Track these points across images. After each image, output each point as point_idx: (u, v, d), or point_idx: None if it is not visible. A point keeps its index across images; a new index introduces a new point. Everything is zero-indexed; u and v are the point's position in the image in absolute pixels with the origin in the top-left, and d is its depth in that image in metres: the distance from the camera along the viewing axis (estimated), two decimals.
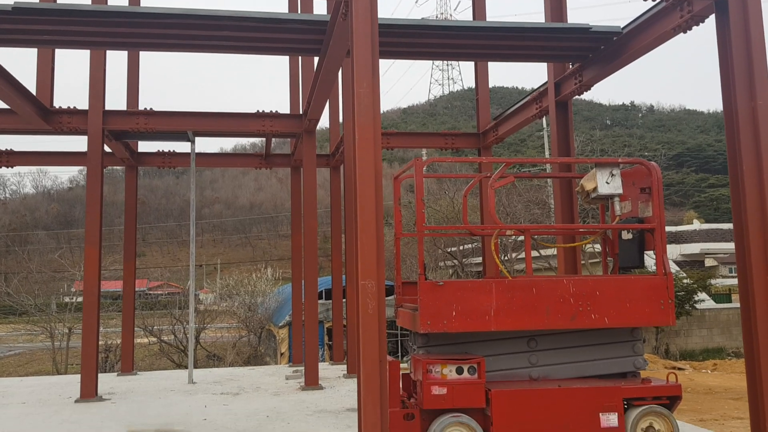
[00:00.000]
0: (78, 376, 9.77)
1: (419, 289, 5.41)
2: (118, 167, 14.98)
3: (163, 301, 29.15)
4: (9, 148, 12.20)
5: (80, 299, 30.68)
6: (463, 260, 25.80)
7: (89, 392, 8.84)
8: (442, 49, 8.12)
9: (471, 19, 11.91)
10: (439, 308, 5.38)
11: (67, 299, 32.06)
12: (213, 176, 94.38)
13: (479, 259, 22.68)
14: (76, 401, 8.74)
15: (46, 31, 7.69)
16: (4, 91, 8.37)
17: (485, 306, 5.40)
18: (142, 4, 12.00)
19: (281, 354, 20.79)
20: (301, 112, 11.32)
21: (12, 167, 12.35)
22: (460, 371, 5.30)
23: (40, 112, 9.66)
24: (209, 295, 35.90)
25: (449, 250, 26.53)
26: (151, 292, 45.37)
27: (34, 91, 9.68)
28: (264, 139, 12.49)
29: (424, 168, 5.98)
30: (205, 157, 13.12)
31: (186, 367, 16.99)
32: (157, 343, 22.39)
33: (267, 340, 23.48)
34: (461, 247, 26.32)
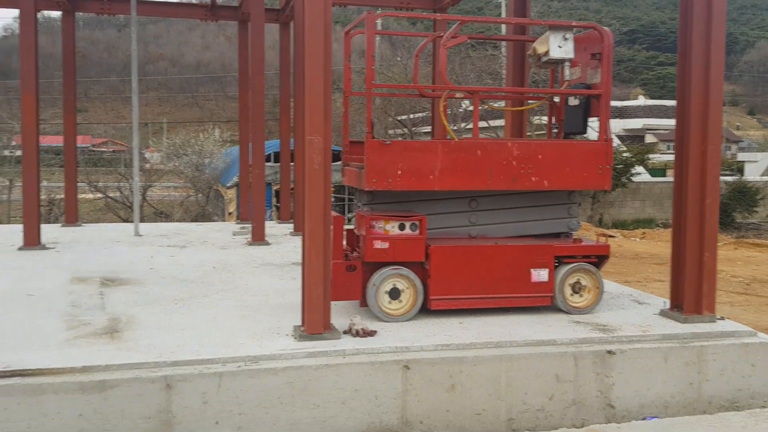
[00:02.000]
0: (21, 226, 9.66)
1: (366, 147, 5.43)
2: (55, 14, 14.03)
3: (107, 158, 28.50)
4: None
5: (20, 153, 29.66)
6: (413, 129, 25.78)
7: (32, 240, 8.79)
8: None
9: None
10: (385, 166, 5.43)
11: (6, 153, 30.96)
12: (157, 31, 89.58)
13: (429, 128, 22.73)
14: (20, 249, 8.71)
15: None
16: None
17: (430, 166, 5.48)
18: None
19: (229, 213, 20.89)
20: None
21: None
22: (402, 227, 5.46)
23: None
24: (155, 154, 35.22)
25: (399, 118, 26.40)
26: (95, 149, 44.19)
27: None
28: None
29: (377, 25, 5.81)
30: (146, 6, 12.35)
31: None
32: (103, 199, 22.15)
33: (215, 200, 23.48)
34: (411, 116, 26.21)
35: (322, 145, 4.96)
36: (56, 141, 28.57)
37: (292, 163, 11.67)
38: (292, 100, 11.96)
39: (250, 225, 9.94)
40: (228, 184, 21.02)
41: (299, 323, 4.99)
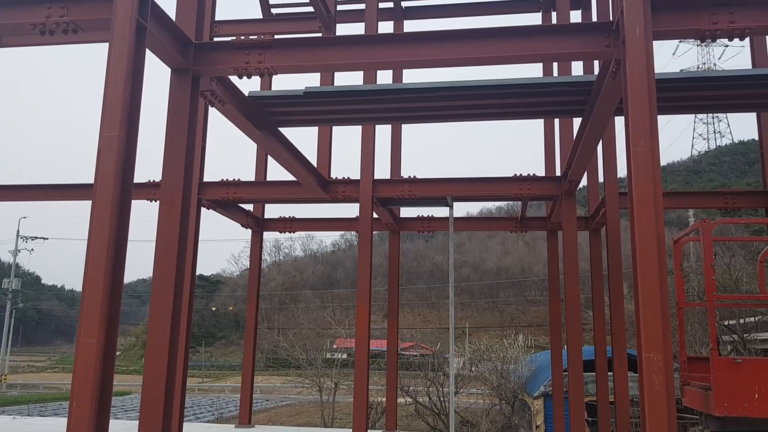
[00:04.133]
0: (346, 430, 10.33)
1: (712, 367, 4.86)
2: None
3: (416, 362, 29.99)
4: (291, 216, 13.74)
5: (344, 356, 32.95)
6: (745, 335, 22.79)
7: None
8: (721, 101, 7.47)
9: (749, 66, 10.84)
10: (738, 389, 4.77)
11: (329, 355, 34.55)
12: (460, 240, 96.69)
13: (766, 335, 19.90)
14: None
15: (328, 111, 8.61)
16: (294, 166, 9.46)
17: None
18: (404, 80, 12.89)
19: (536, 426, 19.95)
20: (557, 174, 11.13)
21: (293, 232, 13.89)
22: None
23: (320, 182, 10.73)
24: (459, 359, 36.19)
25: (726, 323, 23.68)
26: (403, 353, 47.03)
27: (315, 165, 10.80)
28: (517, 202, 12.49)
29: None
30: (462, 222, 13.47)
31: (444, 431, 17.13)
32: (413, 404, 22.97)
33: (521, 411, 22.80)
34: (742, 320, 23.31)
35: (662, 364, 4.56)
36: (371, 345, 31.05)
37: (610, 373, 10.95)
38: (607, 302, 11.55)
39: None
40: (535, 394, 20.37)
41: None
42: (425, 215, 13.48)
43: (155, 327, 5.38)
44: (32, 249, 67.72)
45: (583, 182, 12.94)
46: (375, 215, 12.08)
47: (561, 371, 11.92)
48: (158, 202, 5.79)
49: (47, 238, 67.88)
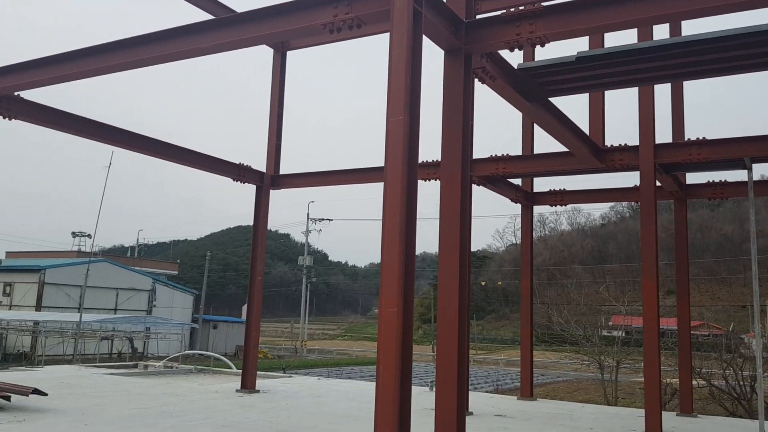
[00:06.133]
0: (634, 410, 9.80)
1: None
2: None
3: (707, 342, 27.40)
4: (562, 188, 13.33)
5: (622, 334, 31.36)
6: None
7: (654, 428, 8.73)
8: None
9: None
10: None
11: (605, 333, 33.09)
12: (756, 207, 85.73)
13: None
14: None
15: (601, 75, 8.14)
16: (566, 136, 9.16)
17: None
18: (683, 33, 11.68)
19: None
20: None
21: (565, 205, 13.48)
22: None
23: (594, 151, 10.25)
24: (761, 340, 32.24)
25: None
26: (693, 332, 43.33)
27: (587, 133, 10.34)
28: None
29: None
30: (763, 185, 11.86)
31: (746, 417, 15.48)
32: (706, 387, 21.04)
33: None
34: None
35: None
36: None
37: None
38: None
39: None
40: None
41: None
42: (716, 180, 12.14)
43: (444, 299, 5.62)
44: (320, 229, 75.86)
45: None
46: (657, 183, 11.23)
47: None
48: (436, 180, 6.02)
49: (332, 219, 75.49)
